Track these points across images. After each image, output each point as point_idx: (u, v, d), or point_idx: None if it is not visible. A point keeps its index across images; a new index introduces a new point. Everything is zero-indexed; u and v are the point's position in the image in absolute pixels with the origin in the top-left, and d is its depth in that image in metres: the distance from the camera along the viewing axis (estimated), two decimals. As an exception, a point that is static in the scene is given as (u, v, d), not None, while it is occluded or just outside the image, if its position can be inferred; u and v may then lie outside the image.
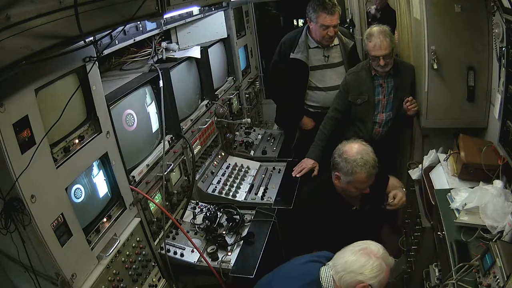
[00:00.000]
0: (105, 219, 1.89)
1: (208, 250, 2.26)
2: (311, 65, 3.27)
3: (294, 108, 3.44)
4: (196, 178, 2.74)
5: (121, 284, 1.87)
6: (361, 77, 3.03)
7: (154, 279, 2.13)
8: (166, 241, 2.25)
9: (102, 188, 1.90)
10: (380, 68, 2.88)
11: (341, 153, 2.35)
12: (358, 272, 1.66)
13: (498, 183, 2.09)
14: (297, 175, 2.94)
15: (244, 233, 2.40)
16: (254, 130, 3.65)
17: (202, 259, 2.20)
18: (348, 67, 3.33)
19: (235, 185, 2.91)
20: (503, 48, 2.22)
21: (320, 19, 3.07)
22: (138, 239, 2.06)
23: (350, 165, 2.29)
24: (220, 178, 2.95)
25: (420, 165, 2.77)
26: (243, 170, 3.11)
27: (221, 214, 2.49)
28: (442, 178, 2.50)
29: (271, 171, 3.12)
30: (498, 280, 1.54)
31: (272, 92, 3.85)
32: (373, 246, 1.74)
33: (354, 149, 2.34)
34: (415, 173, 2.80)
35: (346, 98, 3.06)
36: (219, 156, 3.18)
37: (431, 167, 2.70)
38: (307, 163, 2.98)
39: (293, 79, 3.31)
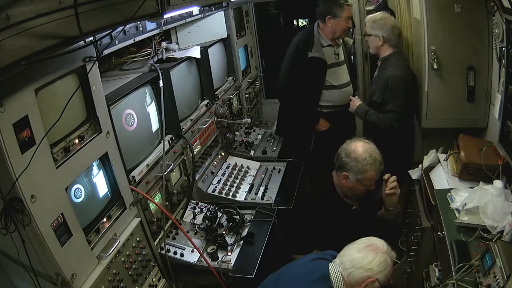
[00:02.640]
0: (105, 219, 1.89)
1: (208, 250, 2.26)
2: (328, 63, 3.30)
3: (311, 110, 3.37)
4: (196, 178, 2.74)
5: (121, 284, 1.87)
6: None
7: (154, 279, 2.13)
8: (166, 241, 2.25)
9: (102, 188, 1.90)
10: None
11: (349, 153, 2.36)
12: (366, 268, 1.72)
13: (498, 183, 2.09)
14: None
15: (244, 233, 2.40)
16: (254, 130, 3.65)
17: (202, 259, 2.19)
18: (349, 64, 3.42)
19: (235, 185, 2.91)
20: (503, 48, 2.22)
21: (345, 12, 3.15)
22: (138, 239, 2.06)
23: (361, 164, 2.31)
24: (220, 178, 2.95)
25: (420, 165, 2.77)
26: (243, 170, 3.11)
27: (221, 214, 2.49)
28: (442, 178, 2.50)
29: (271, 171, 3.12)
30: (498, 280, 1.55)
31: (286, 96, 3.47)
32: (378, 242, 1.81)
33: (361, 148, 2.35)
34: (415, 173, 2.80)
35: None
36: (219, 156, 3.18)
37: (431, 167, 2.70)
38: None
39: (311, 79, 3.29)
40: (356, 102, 3.22)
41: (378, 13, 3.19)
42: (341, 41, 3.38)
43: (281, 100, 3.64)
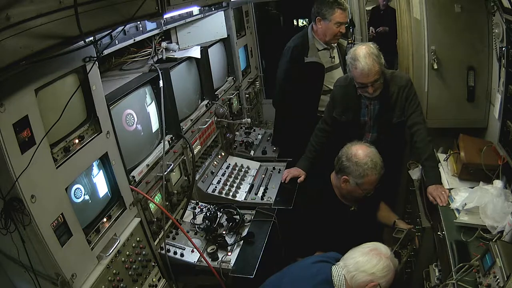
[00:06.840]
0: (105, 219, 1.89)
1: (208, 250, 2.26)
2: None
3: (311, 117, 3.23)
4: (196, 178, 2.73)
5: (121, 284, 1.87)
6: (348, 93, 2.75)
7: (154, 279, 2.13)
8: (166, 241, 2.25)
9: (102, 188, 1.90)
10: (368, 94, 2.60)
11: (350, 157, 2.34)
12: (369, 272, 1.73)
13: (498, 183, 2.09)
14: (285, 181, 2.92)
15: (244, 233, 2.40)
16: (254, 130, 3.65)
17: (202, 259, 2.19)
18: (344, 67, 3.30)
19: (235, 185, 2.91)
20: (503, 48, 2.23)
21: (336, 16, 3.00)
22: (138, 239, 2.06)
23: (362, 168, 2.30)
24: (220, 178, 2.95)
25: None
26: (243, 170, 3.11)
27: (221, 214, 2.49)
28: (442, 178, 2.50)
29: (271, 171, 3.12)
30: (498, 280, 1.55)
31: (285, 105, 3.34)
32: (382, 247, 1.82)
33: (363, 152, 2.34)
34: (415, 173, 2.80)
35: (332, 111, 2.88)
36: (219, 156, 3.18)
37: (431, 167, 2.69)
38: (293, 171, 2.95)
39: (309, 85, 3.17)
40: (442, 189, 2.43)
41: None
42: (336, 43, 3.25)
43: (280, 109, 3.46)
